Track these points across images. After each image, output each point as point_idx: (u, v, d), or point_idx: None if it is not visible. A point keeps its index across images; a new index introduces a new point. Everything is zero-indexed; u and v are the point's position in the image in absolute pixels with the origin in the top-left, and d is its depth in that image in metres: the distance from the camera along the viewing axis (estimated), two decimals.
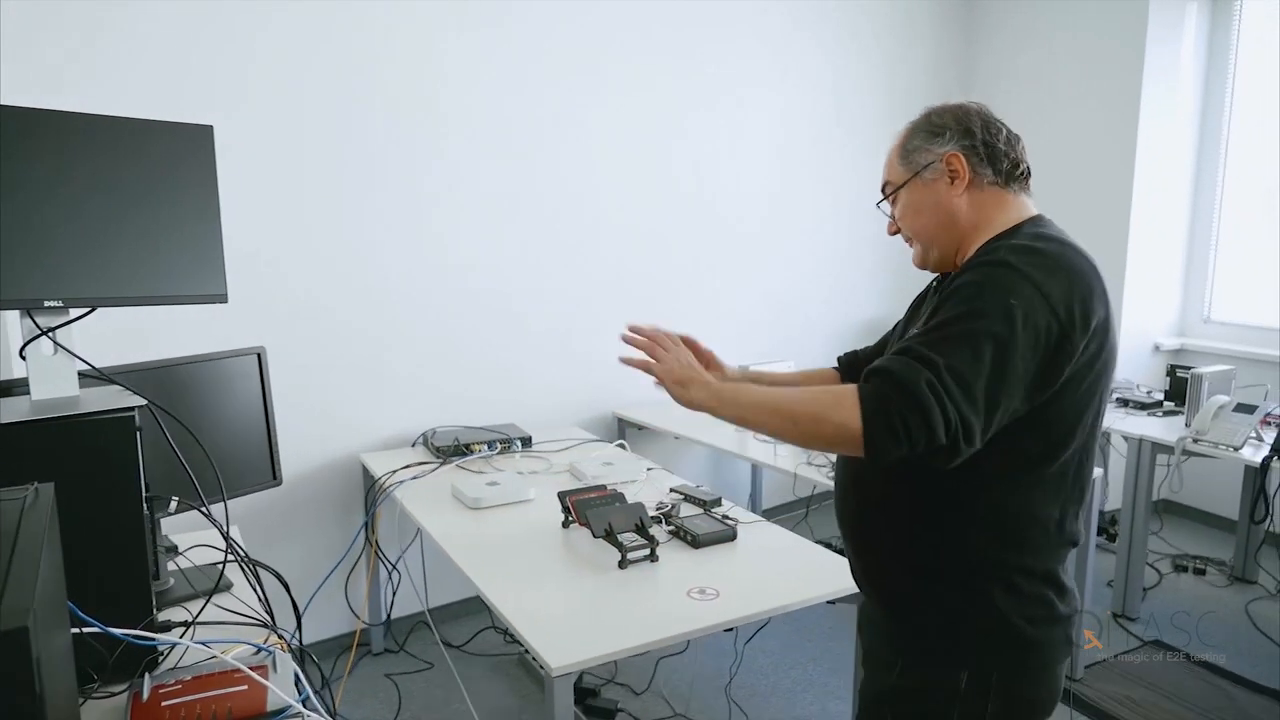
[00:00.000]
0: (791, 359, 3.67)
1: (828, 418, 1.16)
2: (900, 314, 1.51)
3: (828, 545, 3.76)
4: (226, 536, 1.57)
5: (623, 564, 1.97)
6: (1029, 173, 1.35)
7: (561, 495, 2.24)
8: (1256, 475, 3.09)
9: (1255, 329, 4.00)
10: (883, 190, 1.43)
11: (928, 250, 1.39)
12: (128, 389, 1.47)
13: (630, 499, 2.24)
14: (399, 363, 3.14)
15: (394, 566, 3.07)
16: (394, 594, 3.09)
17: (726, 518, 2.26)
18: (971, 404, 1.12)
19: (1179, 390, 3.33)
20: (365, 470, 2.94)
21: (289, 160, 2.83)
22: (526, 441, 3.02)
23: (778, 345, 4.13)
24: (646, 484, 2.62)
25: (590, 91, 3.45)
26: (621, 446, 3.04)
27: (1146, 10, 3.87)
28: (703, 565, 2.02)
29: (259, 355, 2.00)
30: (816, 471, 2.69)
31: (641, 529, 2.06)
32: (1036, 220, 1.32)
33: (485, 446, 2.92)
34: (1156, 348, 4.26)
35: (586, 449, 3.04)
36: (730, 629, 1.77)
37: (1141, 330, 4.20)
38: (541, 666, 1.57)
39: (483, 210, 3.25)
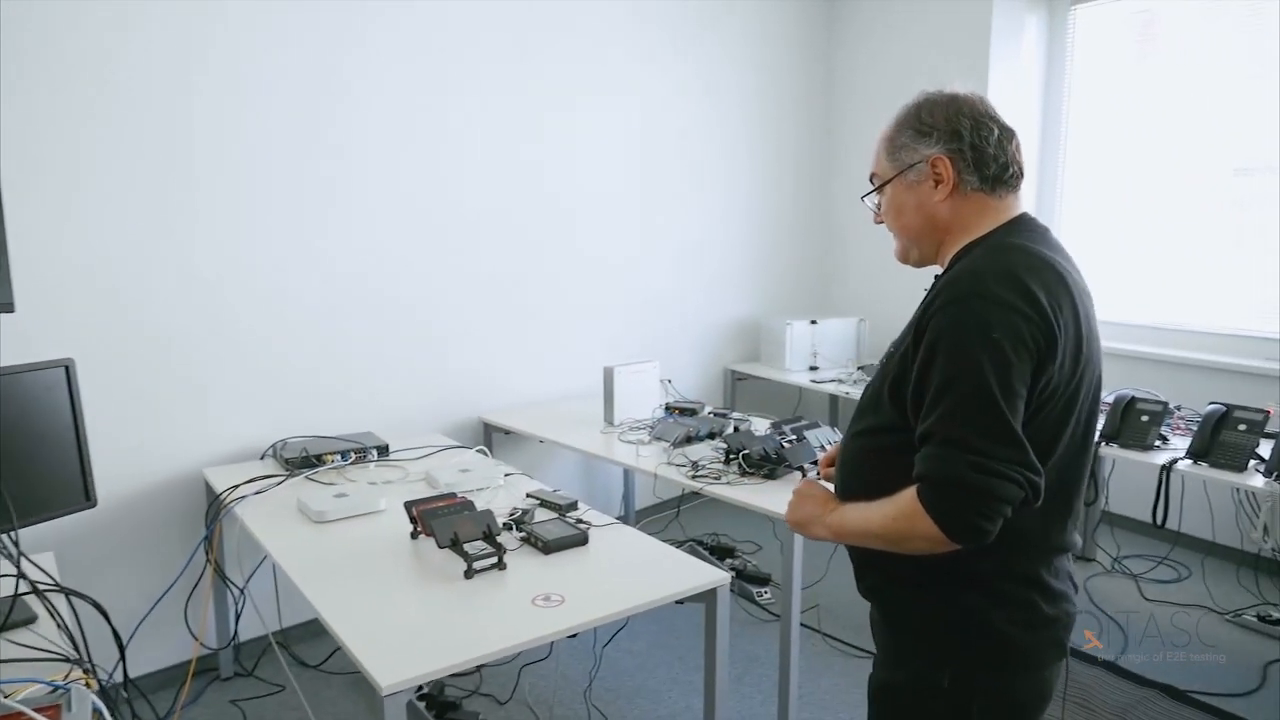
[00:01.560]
0: (660, 358, 3.70)
1: (914, 535, 1.20)
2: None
3: (698, 544, 3.83)
4: (18, 563, 1.45)
5: (469, 574, 1.92)
6: (1020, 173, 1.32)
7: (408, 505, 2.17)
8: None
9: None
10: (870, 180, 1.41)
11: (909, 249, 1.40)
12: None
13: (484, 506, 2.19)
14: (248, 371, 2.98)
15: (241, 589, 2.91)
16: (238, 616, 2.93)
17: (580, 521, 2.23)
18: (1016, 448, 1.15)
19: None
20: (209, 486, 2.78)
21: (119, 158, 2.64)
22: (384, 450, 2.92)
23: (649, 345, 4.14)
24: (504, 490, 2.57)
25: (457, 92, 3.38)
26: (482, 452, 2.97)
27: (990, 12, 4.08)
28: (552, 571, 1.99)
29: (67, 368, 1.85)
30: (677, 472, 2.71)
31: (489, 537, 2.02)
32: (1013, 226, 1.31)
33: (338, 456, 2.81)
34: None
35: (446, 456, 2.96)
36: (574, 635, 1.75)
37: None
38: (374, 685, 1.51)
39: (346, 209, 3.13)
